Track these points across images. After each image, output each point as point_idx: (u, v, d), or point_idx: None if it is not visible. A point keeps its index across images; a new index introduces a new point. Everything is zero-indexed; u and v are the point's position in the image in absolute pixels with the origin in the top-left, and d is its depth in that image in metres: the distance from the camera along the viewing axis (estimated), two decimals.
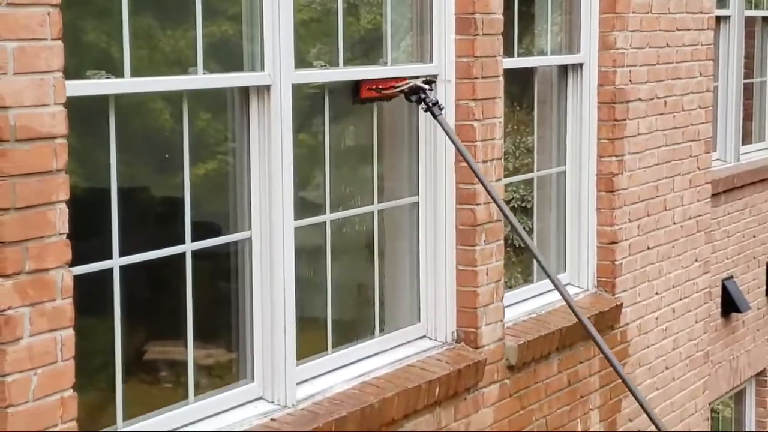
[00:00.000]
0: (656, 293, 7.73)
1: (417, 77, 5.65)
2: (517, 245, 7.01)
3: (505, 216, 5.72)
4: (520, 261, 7.05)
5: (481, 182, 5.66)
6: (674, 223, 7.90)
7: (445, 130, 5.60)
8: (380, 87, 5.52)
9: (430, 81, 5.67)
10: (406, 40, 5.94)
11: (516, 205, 7.05)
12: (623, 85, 7.22)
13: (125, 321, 4.45)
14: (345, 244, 5.69)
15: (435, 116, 5.56)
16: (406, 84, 5.57)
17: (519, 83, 6.89)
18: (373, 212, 5.77)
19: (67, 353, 3.91)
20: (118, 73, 4.32)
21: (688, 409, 8.21)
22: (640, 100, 7.39)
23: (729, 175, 10.20)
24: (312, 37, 5.46)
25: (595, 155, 7.21)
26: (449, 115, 5.89)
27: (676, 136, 7.86)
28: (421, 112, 5.83)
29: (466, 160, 5.64)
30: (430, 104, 5.55)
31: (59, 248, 3.86)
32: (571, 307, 5.71)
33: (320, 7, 5.46)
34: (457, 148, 5.65)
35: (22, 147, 3.71)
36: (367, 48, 5.79)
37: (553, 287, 7.07)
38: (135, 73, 4.38)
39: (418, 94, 5.57)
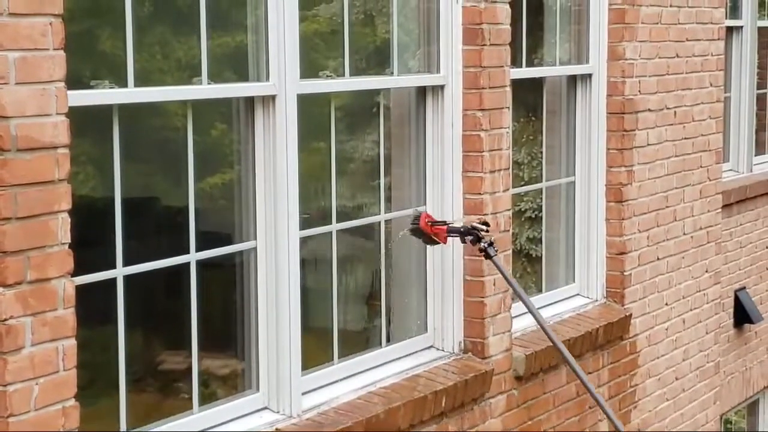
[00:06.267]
0: (666, 304, 7.71)
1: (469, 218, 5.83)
2: (533, 255, 7.01)
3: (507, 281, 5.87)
4: (535, 271, 7.04)
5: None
6: (684, 234, 7.88)
7: (500, 270, 5.71)
8: (433, 221, 5.65)
9: (486, 223, 5.71)
10: (415, 51, 5.94)
11: (532, 215, 7.04)
12: (632, 95, 7.21)
13: (129, 331, 4.45)
14: (351, 254, 5.69)
15: (490, 257, 5.63)
16: (461, 224, 5.69)
17: (528, 93, 6.89)
18: (380, 222, 5.77)
19: (69, 363, 3.91)
20: (122, 82, 4.33)
21: (699, 420, 8.18)
22: (649, 110, 7.38)
23: (741, 186, 10.16)
24: (319, 48, 5.47)
25: (604, 165, 7.20)
26: (456, 125, 5.89)
27: (686, 147, 7.84)
28: (428, 125, 5.86)
29: (522, 300, 5.83)
30: (485, 246, 5.61)
31: (61, 258, 3.87)
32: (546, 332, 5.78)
33: (327, 18, 5.46)
34: (514, 290, 5.82)
35: (23, 157, 3.72)
36: (376, 59, 5.80)
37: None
38: (139, 82, 4.38)
39: (474, 235, 5.62)
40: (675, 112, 7.67)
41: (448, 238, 5.68)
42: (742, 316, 10.18)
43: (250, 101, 4.94)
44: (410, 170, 5.94)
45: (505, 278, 5.77)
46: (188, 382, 4.77)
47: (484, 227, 5.63)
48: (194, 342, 4.76)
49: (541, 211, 7.05)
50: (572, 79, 7.12)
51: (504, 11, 6.01)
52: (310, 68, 5.23)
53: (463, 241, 5.71)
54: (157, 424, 4.60)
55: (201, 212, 4.76)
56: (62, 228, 3.86)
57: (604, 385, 7.02)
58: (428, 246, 5.84)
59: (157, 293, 4.76)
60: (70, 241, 3.89)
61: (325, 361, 5.41)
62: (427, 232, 5.65)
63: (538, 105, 6.99)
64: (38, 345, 3.80)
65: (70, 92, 3.88)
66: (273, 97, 4.94)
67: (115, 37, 4.37)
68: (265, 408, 5.04)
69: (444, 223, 5.70)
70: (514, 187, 6.34)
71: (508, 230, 6.14)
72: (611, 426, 6.51)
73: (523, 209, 6.98)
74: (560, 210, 7.19)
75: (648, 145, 7.38)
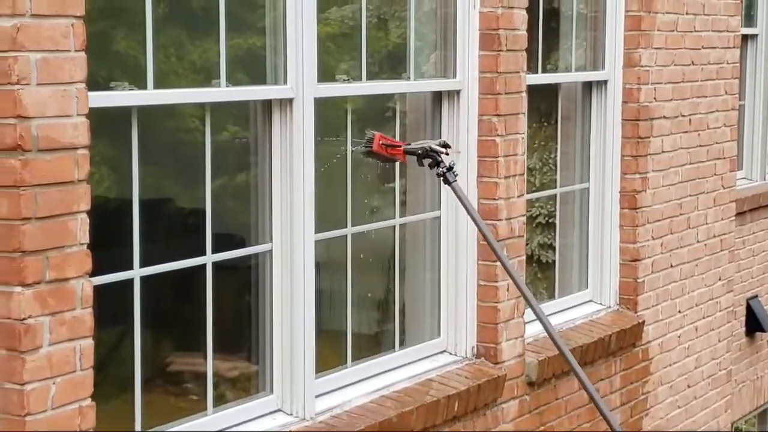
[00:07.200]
0: (679, 311, 7.71)
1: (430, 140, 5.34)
2: (544, 261, 7.01)
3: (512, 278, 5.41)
4: (547, 277, 7.04)
5: (498, 256, 5.38)
6: (698, 242, 7.88)
7: (458, 197, 5.23)
8: (389, 143, 5.19)
9: (446, 144, 5.26)
10: (432, 55, 5.95)
11: (543, 221, 7.05)
12: (648, 102, 7.21)
13: (145, 331, 4.47)
14: (366, 257, 5.70)
15: (449, 183, 5.15)
16: (419, 145, 5.20)
17: (544, 99, 6.90)
18: (394, 226, 5.78)
19: (86, 363, 3.92)
20: (142, 84, 4.35)
21: (711, 428, 8.17)
22: (664, 117, 7.38)
23: (755, 194, 10.16)
24: (337, 52, 5.48)
25: (619, 172, 7.21)
26: (471, 130, 5.90)
27: (701, 154, 7.84)
28: (444, 129, 5.87)
29: (482, 232, 5.31)
30: (444, 171, 5.12)
31: (80, 258, 3.88)
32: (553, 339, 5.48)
33: (345, 22, 5.48)
34: (472, 218, 5.31)
35: (44, 157, 3.74)
36: (392, 63, 5.81)
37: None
38: (158, 84, 4.40)
39: (432, 158, 5.15)
40: (690, 119, 7.67)
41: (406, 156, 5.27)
42: (754, 324, 10.17)
43: (267, 104, 4.96)
44: (425, 174, 5.93)
45: (467, 210, 5.19)
46: (202, 383, 4.79)
47: (443, 150, 5.12)
48: (209, 344, 4.77)
49: (552, 217, 7.05)
50: (587, 86, 7.13)
51: (521, 17, 6.02)
52: (325, 72, 5.24)
53: (420, 164, 5.17)
54: (171, 425, 4.62)
55: (217, 214, 4.77)
56: (81, 228, 3.88)
57: (616, 392, 7.02)
58: (386, 164, 5.48)
59: (173, 294, 4.78)
60: (88, 241, 3.91)
61: (338, 364, 5.42)
62: (383, 154, 5.20)
63: (553, 111, 7.00)
64: (56, 344, 3.81)
65: (90, 93, 3.90)
66: (291, 101, 4.95)
67: (134, 39, 4.38)
68: (279, 410, 5.05)
69: (399, 145, 5.22)
70: (527, 192, 6.34)
71: (522, 236, 6.15)
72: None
73: (534, 215, 6.99)
74: (574, 216, 7.19)
75: (662, 152, 7.39)
